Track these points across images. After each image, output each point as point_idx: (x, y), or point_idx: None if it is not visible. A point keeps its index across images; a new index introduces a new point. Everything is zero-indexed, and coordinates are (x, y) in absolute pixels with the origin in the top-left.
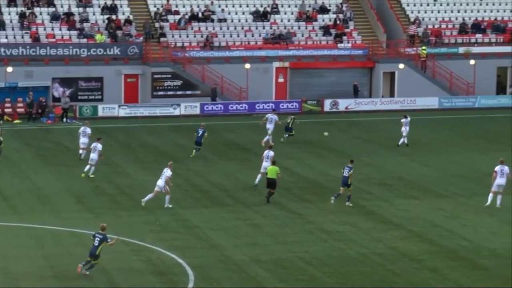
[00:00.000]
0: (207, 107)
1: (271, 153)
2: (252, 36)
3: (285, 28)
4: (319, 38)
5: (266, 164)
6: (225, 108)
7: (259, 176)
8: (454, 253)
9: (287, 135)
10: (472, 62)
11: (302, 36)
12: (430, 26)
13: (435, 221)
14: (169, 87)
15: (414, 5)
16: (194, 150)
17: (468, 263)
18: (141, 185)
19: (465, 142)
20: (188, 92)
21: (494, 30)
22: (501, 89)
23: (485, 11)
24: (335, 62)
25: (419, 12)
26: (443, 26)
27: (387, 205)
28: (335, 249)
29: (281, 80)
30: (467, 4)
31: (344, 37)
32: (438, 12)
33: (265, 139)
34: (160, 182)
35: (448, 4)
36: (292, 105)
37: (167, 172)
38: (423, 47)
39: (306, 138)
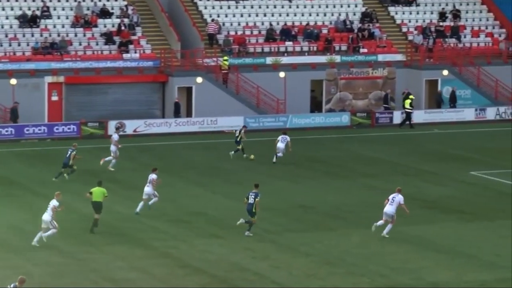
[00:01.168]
0: None
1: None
2: (19, 45)
3: (58, 36)
4: (101, 47)
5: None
6: None
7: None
8: None
9: (233, 151)
10: (282, 74)
11: (80, 44)
12: (232, 33)
13: (242, 263)
14: None
15: (213, 8)
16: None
17: None
18: None
19: (273, 169)
20: None
21: (306, 37)
22: (316, 106)
23: (295, 15)
24: (120, 76)
25: (218, 16)
26: (248, 32)
27: (185, 246)
28: None
29: (55, 98)
30: (275, 7)
31: (131, 46)
32: (242, 15)
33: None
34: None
35: (252, 7)
36: (69, 128)
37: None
38: (225, 57)
39: (87, 167)
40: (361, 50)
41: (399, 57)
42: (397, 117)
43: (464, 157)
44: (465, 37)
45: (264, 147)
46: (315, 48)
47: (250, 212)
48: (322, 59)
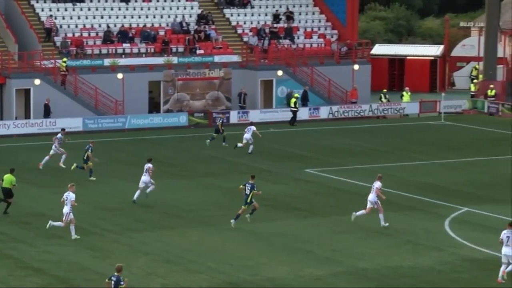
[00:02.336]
0: None
1: None
2: None
3: None
4: None
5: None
6: None
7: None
8: None
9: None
10: (120, 76)
11: None
12: (69, 34)
13: (83, 263)
14: None
15: (50, 10)
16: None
17: None
18: None
19: (116, 170)
20: None
21: (143, 39)
22: (154, 107)
23: (132, 17)
24: None
25: (56, 18)
26: (85, 34)
27: (25, 247)
28: None
29: None
30: (112, 9)
31: None
32: (79, 17)
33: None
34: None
35: (89, 9)
36: None
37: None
38: (64, 59)
39: None
40: (198, 52)
41: (235, 58)
42: (234, 116)
43: (299, 155)
44: (298, 38)
45: (103, 147)
46: (152, 50)
47: (246, 202)
48: (159, 60)
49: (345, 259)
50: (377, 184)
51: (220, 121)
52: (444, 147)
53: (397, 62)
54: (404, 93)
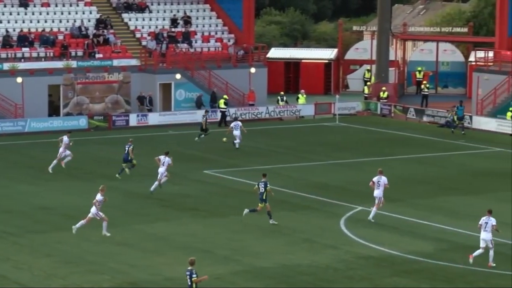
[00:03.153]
0: None
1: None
2: None
3: None
4: None
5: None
6: None
7: None
8: None
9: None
10: (19, 80)
11: None
12: None
13: None
14: None
15: None
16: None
17: None
18: None
19: (16, 173)
20: None
21: (42, 43)
22: (54, 110)
23: (31, 21)
24: None
25: None
26: None
27: None
28: None
29: None
30: (11, 14)
31: None
32: None
33: None
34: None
35: None
36: None
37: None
38: None
39: None
40: (97, 56)
41: (134, 62)
42: (133, 119)
43: (198, 156)
44: (196, 42)
45: (3, 151)
46: (51, 54)
47: (261, 199)
48: (59, 64)
49: (243, 258)
50: (383, 179)
51: (204, 119)
52: (339, 148)
53: (293, 65)
54: (299, 95)
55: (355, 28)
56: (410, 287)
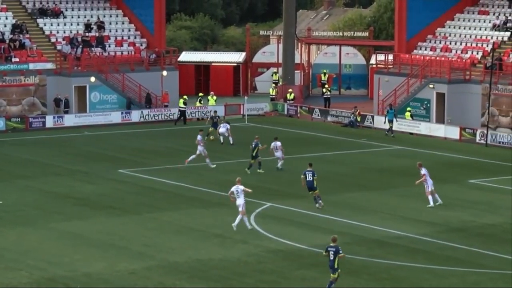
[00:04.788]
0: None
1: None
2: None
3: None
4: None
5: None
6: None
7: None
8: None
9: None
10: None
11: None
12: None
13: None
14: None
15: None
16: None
17: None
18: None
19: None
20: None
21: None
22: None
23: None
24: None
25: None
26: None
27: None
28: None
29: None
30: None
31: None
32: None
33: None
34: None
35: None
36: None
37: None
38: None
39: None
40: (13, 60)
41: (49, 65)
42: (50, 121)
43: (113, 156)
44: (109, 46)
45: None
46: None
47: (311, 187)
48: None
49: (157, 253)
50: (423, 171)
51: (215, 118)
52: (248, 147)
53: (203, 68)
54: (209, 97)
55: (262, 32)
56: (317, 279)
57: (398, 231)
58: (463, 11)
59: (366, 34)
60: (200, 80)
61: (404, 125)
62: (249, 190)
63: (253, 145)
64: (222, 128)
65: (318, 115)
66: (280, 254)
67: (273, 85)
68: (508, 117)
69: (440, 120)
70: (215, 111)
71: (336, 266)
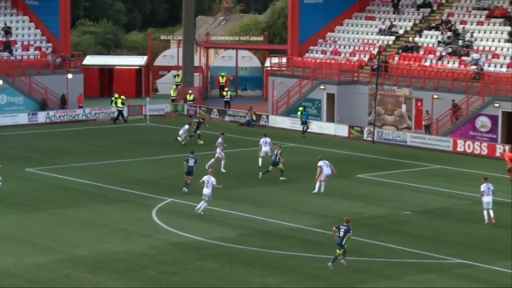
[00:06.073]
0: None
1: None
2: None
3: None
4: None
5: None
6: None
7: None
8: None
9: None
10: None
11: None
12: None
13: None
14: None
15: None
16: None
17: None
18: None
19: None
20: None
21: None
22: None
23: None
24: None
25: None
26: None
27: None
28: None
29: None
30: None
31: None
32: None
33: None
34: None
35: None
36: None
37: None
38: None
39: None
40: None
41: None
42: None
43: (20, 156)
44: (16, 50)
45: None
46: None
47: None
48: None
49: (64, 248)
50: (320, 163)
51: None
52: (150, 146)
53: (107, 71)
54: (113, 98)
55: (162, 37)
56: (215, 270)
57: (291, 223)
58: (351, 17)
59: (261, 38)
60: (104, 82)
61: (297, 124)
62: (219, 186)
63: (275, 152)
64: (181, 130)
65: (216, 115)
66: (180, 246)
67: (174, 86)
68: (393, 115)
69: (330, 119)
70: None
71: (343, 243)
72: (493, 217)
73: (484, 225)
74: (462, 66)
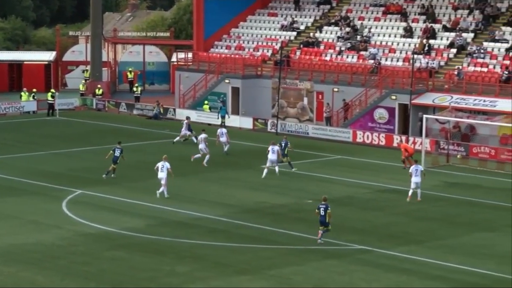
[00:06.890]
0: None
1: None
2: None
3: None
4: None
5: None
6: None
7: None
8: None
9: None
10: None
11: None
12: None
13: None
14: None
15: None
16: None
17: None
18: None
19: None
20: None
21: None
22: None
23: None
24: None
25: None
26: None
27: None
28: None
29: None
30: None
31: None
32: None
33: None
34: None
35: None
36: None
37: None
38: None
39: None
40: None
41: None
42: None
43: None
44: None
45: None
46: None
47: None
48: None
49: None
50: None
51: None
52: (60, 139)
53: (16, 67)
54: (22, 93)
55: (71, 33)
56: (125, 259)
57: (200, 213)
58: (254, 13)
59: (168, 34)
60: (13, 77)
61: (203, 116)
62: (172, 174)
63: (283, 144)
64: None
65: (124, 109)
66: (91, 237)
67: (83, 81)
68: (295, 108)
69: (235, 111)
70: (188, 117)
71: (327, 221)
72: (419, 198)
73: (382, 213)
74: (361, 61)
